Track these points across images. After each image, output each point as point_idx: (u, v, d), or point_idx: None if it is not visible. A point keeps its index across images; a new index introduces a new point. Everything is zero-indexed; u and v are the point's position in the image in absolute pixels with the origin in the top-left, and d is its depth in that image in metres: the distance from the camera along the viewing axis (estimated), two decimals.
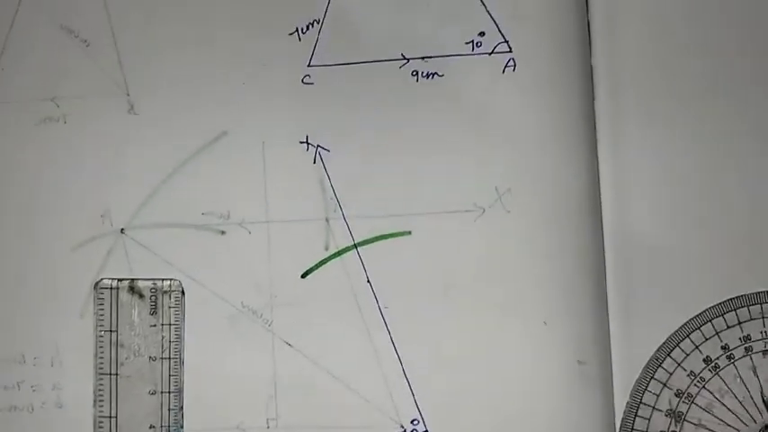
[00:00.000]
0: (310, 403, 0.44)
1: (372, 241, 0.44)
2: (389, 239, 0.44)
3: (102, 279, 0.44)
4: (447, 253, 0.44)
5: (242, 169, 0.44)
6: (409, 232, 0.44)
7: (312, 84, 0.44)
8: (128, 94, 0.45)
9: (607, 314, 0.44)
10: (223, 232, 0.44)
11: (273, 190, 0.44)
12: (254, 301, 0.44)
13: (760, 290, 0.44)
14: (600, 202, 0.44)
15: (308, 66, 0.45)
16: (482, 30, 0.44)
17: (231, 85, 0.44)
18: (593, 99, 0.44)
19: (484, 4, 0.44)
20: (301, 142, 0.44)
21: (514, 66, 0.44)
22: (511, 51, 0.44)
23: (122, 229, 0.44)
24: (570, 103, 0.44)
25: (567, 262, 0.44)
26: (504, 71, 0.44)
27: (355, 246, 0.44)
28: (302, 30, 0.45)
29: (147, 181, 0.44)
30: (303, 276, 0.44)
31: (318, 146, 0.44)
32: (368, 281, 0.44)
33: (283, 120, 0.44)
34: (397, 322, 0.44)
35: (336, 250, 0.44)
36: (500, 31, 0.44)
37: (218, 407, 0.44)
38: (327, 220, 0.44)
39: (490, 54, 0.44)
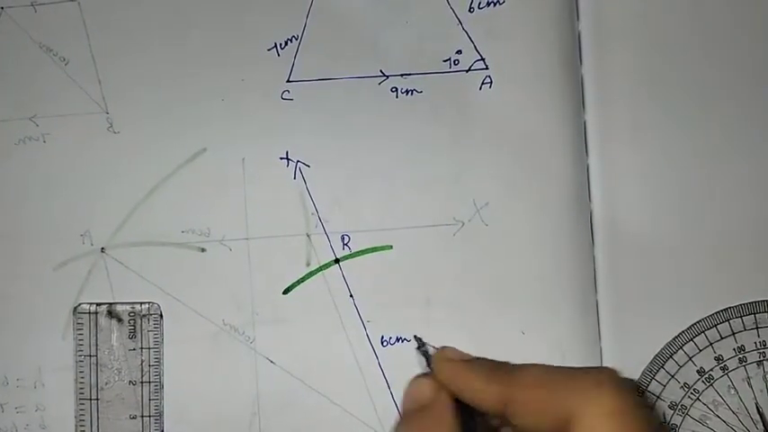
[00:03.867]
0: (294, 420, 0.43)
1: (354, 256, 0.44)
2: (371, 254, 0.44)
3: (80, 304, 0.44)
4: (428, 266, 0.44)
5: (222, 186, 0.44)
6: (390, 246, 0.44)
7: (291, 99, 0.44)
8: (107, 113, 0.45)
9: (598, 326, 0.43)
10: (203, 249, 0.44)
11: (254, 206, 0.44)
12: (235, 319, 0.44)
13: (754, 299, 0.43)
14: (590, 214, 0.44)
15: (287, 81, 0.44)
16: (459, 48, 0.44)
17: (210, 101, 0.44)
18: (583, 110, 0.44)
19: (461, 23, 0.44)
20: (281, 158, 0.44)
21: (491, 83, 0.44)
22: (487, 69, 0.44)
23: (103, 248, 0.44)
24: (550, 117, 0.44)
25: (549, 272, 0.43)
26: (480, 88, 0.44)
27: (337, 261, 0.44)
28: (281, 45, 0.45)
29: (127, 199, 0.44)
30: (285, 293, 0.44)
31: (298, 161, 0.44)
32: (350, 296, 0.44)
33: (263, 136, 0.44)
34: (380, 336, 0.43)
35: (318, 266, 0.44)
36: (476, 49, 0.44)
37: (201, 427, 0.43)
38: (308, 235, 0.44)
39: (467, 71, 0.44)
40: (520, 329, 0.43)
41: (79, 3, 0.45)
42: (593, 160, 0.44)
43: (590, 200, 0.44)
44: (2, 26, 0.45)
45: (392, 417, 0.43)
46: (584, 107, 0.44)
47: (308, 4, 0.45)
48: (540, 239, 0.43)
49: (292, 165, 0.44)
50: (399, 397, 0.43)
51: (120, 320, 0.44)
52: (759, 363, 0.44)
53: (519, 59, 0.44)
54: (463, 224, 0.44)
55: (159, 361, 0.44)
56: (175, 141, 0.44)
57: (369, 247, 0.44)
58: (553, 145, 0.44)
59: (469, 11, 0.44)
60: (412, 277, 0.43)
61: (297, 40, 0.45)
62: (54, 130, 0.45)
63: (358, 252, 0.44)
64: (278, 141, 0.44)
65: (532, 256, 0.43)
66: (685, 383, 0.44)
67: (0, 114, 0.45)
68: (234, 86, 0.44)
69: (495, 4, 0.44)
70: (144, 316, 0.44)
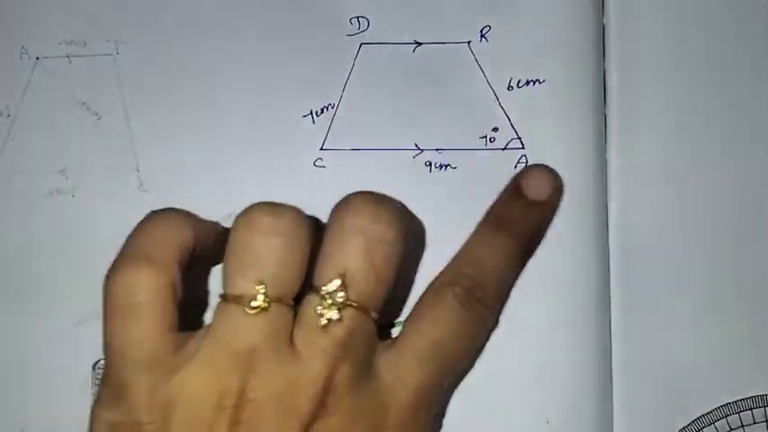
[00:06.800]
0: None
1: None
2: (397, 328, 0.43)
3: (100, 360, 0.44)
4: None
5: None
6: None
7: (324, 167, 0.44)
8: (137, 170, 0.45)
9: (611, 414, 0.43)
10: None
11: None
12: None
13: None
14: (609, 304, 0.44)
15: (321, 149, 0.44)
16: (496, 125, 0.44)
17: (242, 164, 0.44)
18: (606, 195, 0.44)
19: (498, 100, 0.44)
20: None
21: (526, 162, 0.44)
22: (523, 148, 0.44)
23: None
24: (581, 204, 0.44)
25: (572, 362, 0.43)
26: (516, 167, 0.44)
27: None
28: (317, 113, 0.44)
29: None
30: None
31: None
32: None
33: (294, 201, 0.43)
34: None
35: None
36: (513, 128, 0.44)
37: None
38: None
39: (503, 149, 0.44)
40: (545, 419, 0.43)
41: (114, 58, 0.45)
42: (614, 258, 0.44)
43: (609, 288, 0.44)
44: (36, 76, 0.45)
45: None
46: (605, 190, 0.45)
47: (347, 74, 0.44)
48: (567, 330, 0.43)
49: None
50: None
51: None
52: None
53: (555, 140, 0.44)
54: None
55: None
56: (206, 203, 0.43)
57: (398, 320, 0.43)
58: (578, 234, 0.44)
59: (508, 89, 0.44)
60: None
61: (333, 108, 0.44)
62: (83, 184, 0.45)
63: (392, 323, 0.43)
64: (308, 208, 0.44)
65: (561, 346, 0.43)
66: None
67: (30, 166, 0.45)
68: (267, 151, 0.44)
69: (534, 83, 0.44)
70: None
